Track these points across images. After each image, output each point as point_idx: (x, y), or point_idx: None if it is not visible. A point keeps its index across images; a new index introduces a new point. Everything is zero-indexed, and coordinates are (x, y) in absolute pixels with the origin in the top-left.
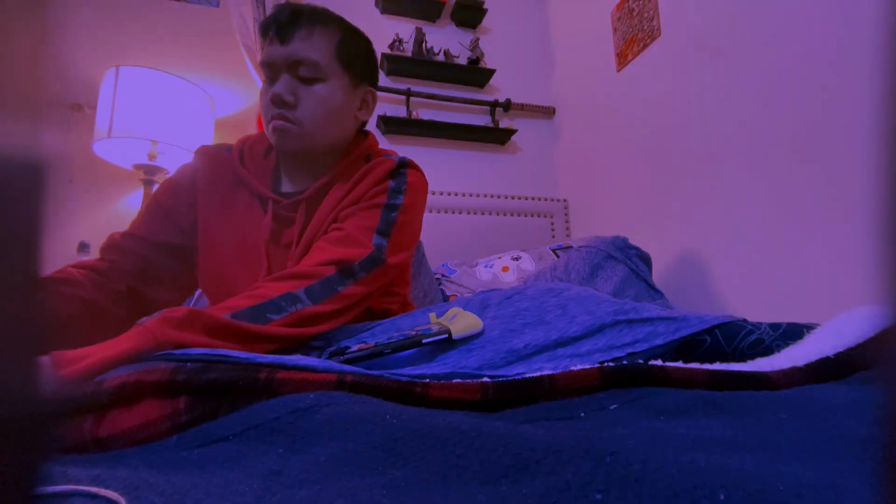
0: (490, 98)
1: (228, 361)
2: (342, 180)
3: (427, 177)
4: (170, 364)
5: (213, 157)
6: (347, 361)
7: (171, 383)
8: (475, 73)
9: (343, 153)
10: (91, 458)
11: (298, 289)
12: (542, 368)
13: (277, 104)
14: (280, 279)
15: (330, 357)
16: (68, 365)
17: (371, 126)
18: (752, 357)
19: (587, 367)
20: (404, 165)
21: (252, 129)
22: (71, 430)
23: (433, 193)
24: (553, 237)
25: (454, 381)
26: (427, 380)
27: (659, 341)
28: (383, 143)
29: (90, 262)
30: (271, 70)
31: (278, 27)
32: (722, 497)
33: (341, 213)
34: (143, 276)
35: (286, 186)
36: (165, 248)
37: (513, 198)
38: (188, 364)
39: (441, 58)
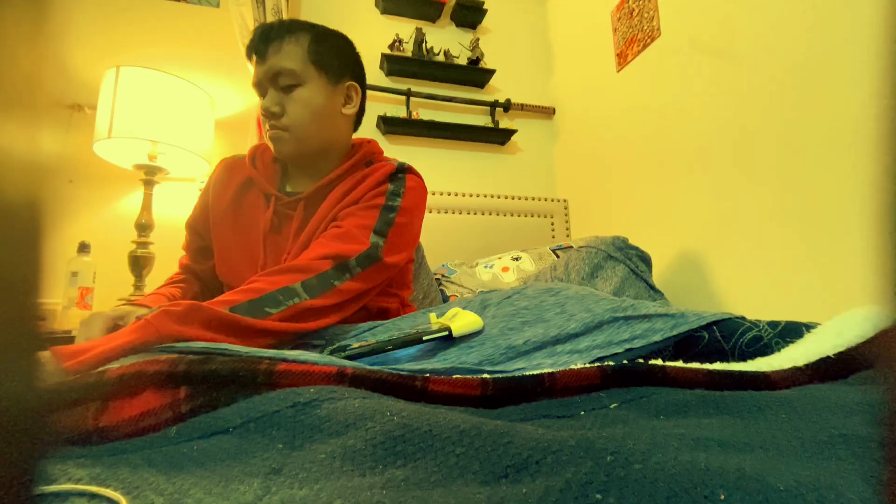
0: (490, 98)
1: (229, 354)
2: (342, 182)
3: (427, 177)
4: (170, 356)
5: (229, 164)
6: (348, 358)
7: (172, 374)
8: (475, 74)
9: (345, 157)
10: (92, 453)
11: (295, 282)
12: (541, 364)
13: (267, 115)
14: (277, 273)
15: (331, 354)
16: (71, 357)
17: (371, 126)
18: (751, 354)
19: (587, 365)
20: (403, 170)
21: (252, 130)
22: (73, 419)
23: (433, 194)
24: (553, 237)
25: (454, 376)
26: (427, 374)
27: (657, 337)
28: (383, 143)
29: (177, 277)
30: (260, 88)
31: (255, 48)
32: (722, 497)
33: (340, 213)
34: (210, 281)
35: (291, 187)
36: (202, 252)
37: (513, 198)
38: (189, 356)
39: (441, 58)
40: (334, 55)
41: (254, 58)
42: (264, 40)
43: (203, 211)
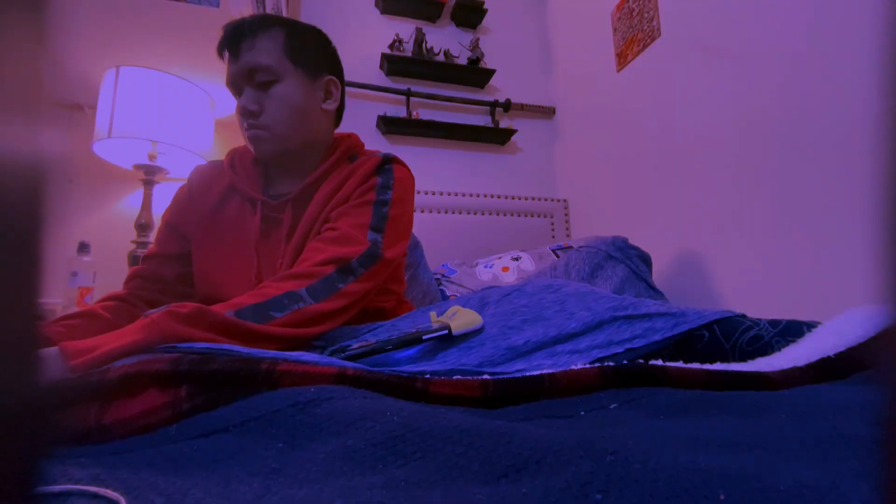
0: (490, 98)
1: (230, 354)
2: (328, 179)
3: (427, 177)
4: (172, 355)
5: (206, 171)
6: (349, 359)
7: (173, 373)
8: (475, 73)
9: (327, 153)
10: (92, 452)
11: (300, 288)
12: (541, 365)
13: (245, 115)
14: (282, 279)
15: (331, 355)
16: (77, 356)
17: (371, 126)
18: (751, 353)
19: (587, 365)
20: (389, 161)
21: None
22: (75, 418)
23: (433, 193)
24: (553, 237)
25: (454, 377)
26: (428, 375)
27: (657, 337)
28: (383, 142)
29: (113, 293)
30: (235, 87)
31: (228, 46)
32: (722, 497)
33: (332, 214)
34: (167, 292)
35: (275, 189)
36: (180, 259)
37: (513, 198)
38: (190, 355)
39: (441, 58)
40: (311, 50)
41: (225, 56)
42: (237, 37)
43: (183, 217)
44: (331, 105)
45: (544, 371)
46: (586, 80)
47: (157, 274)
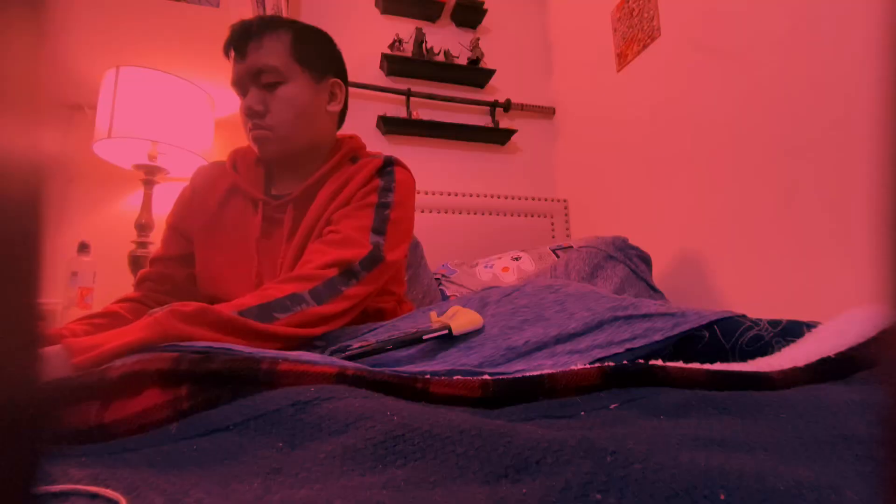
0: (490, 98)
1: (231, 354)
2: (329, 181)
3: (427, 177)
4: (173, 354)
5: (208, 171)
6: (349, 358)
7: (173, 372)
8: (475, 73)
9: (329, 154)
10: (92, 452)
11: (303, 290)
12: (541, 365)
13: (250, 115)
14: (285, 281)
15: (331, 355)
16: (81, 353)
17: (371, 126)
18: (752, 353)
19: (587, 365)
20: (391, 164)
21: None
22: (76, 416)
23: (433, 193)
24: (553, 237)
25: (454, 377)
26: (428, 375)
27: (657, 337)
28: (383, 142)
29: (128, 295)
30: (240, 86)
31: (234, 45)
32: (722, 497)
33: (334, 216)
34: (176, 292)
35: (277, 189)
36: (186, 260)
37: (513, 198)
38: (191, 354)
39: (441, 58)
40: (317, 52)
41: (231, 55)
42: (244, 37)
43: (186, 219)
44: (335, 107)
45: (544, 371)
46: (586, 80)
47: (165, 275)
